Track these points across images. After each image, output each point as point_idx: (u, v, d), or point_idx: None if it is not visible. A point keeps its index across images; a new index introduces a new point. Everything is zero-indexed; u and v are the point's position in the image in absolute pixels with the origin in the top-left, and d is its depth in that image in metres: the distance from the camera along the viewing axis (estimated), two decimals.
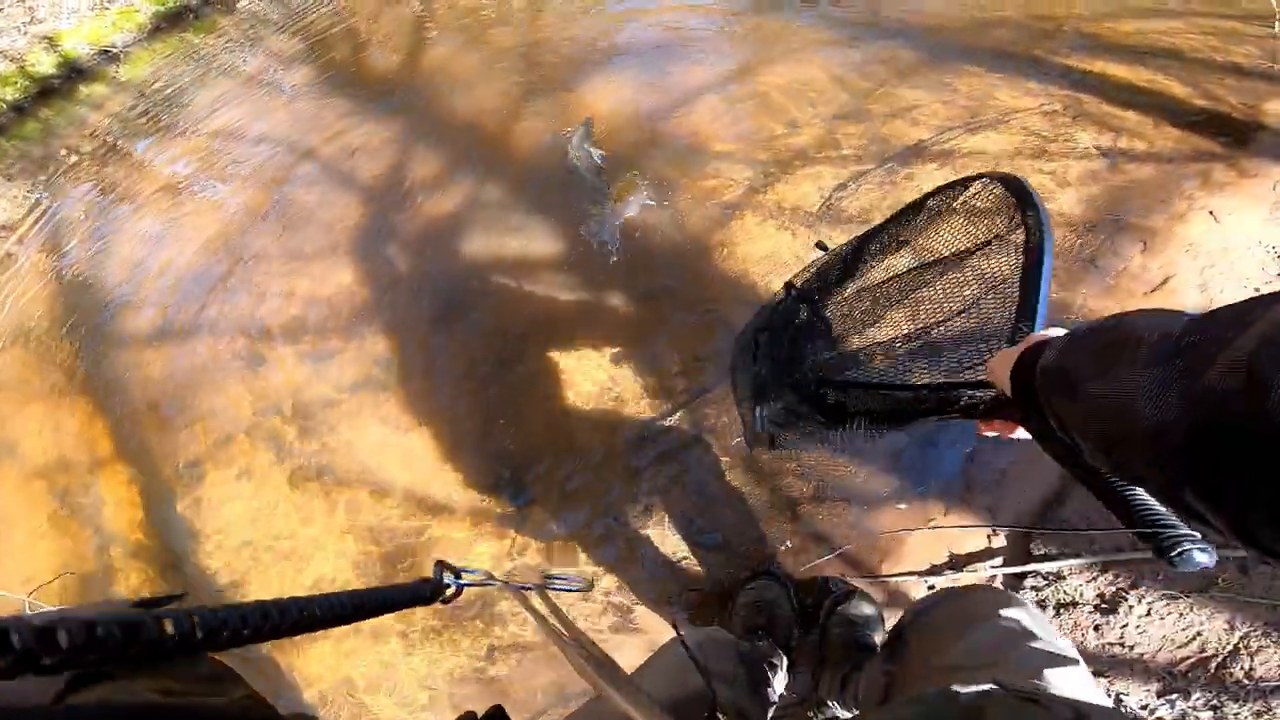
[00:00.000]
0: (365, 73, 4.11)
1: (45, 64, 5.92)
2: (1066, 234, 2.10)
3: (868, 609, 1.53)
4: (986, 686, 0.58)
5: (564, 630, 0.68)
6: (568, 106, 3.10)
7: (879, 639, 1.45)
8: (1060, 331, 0.57)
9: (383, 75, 3.99)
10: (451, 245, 2.70)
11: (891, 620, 1.56)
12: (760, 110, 2.76)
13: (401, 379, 2.34)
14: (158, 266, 3.08)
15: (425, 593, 0.57)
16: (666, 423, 1.97)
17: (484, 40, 3.95)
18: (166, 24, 6.32)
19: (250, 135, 3.80)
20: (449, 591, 0.61)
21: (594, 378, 2.12)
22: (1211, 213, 2.16)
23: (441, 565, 0.61)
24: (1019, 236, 0.76)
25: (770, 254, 2.24)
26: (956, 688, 0.59)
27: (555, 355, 2.20)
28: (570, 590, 0.82)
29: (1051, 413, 0.50)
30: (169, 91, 4.72)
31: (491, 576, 0.69)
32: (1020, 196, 0.77)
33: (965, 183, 0.90)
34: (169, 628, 0.29)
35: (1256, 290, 2.04)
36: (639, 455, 1.95)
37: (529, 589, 0.79)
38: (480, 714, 0.60)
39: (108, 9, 6.27)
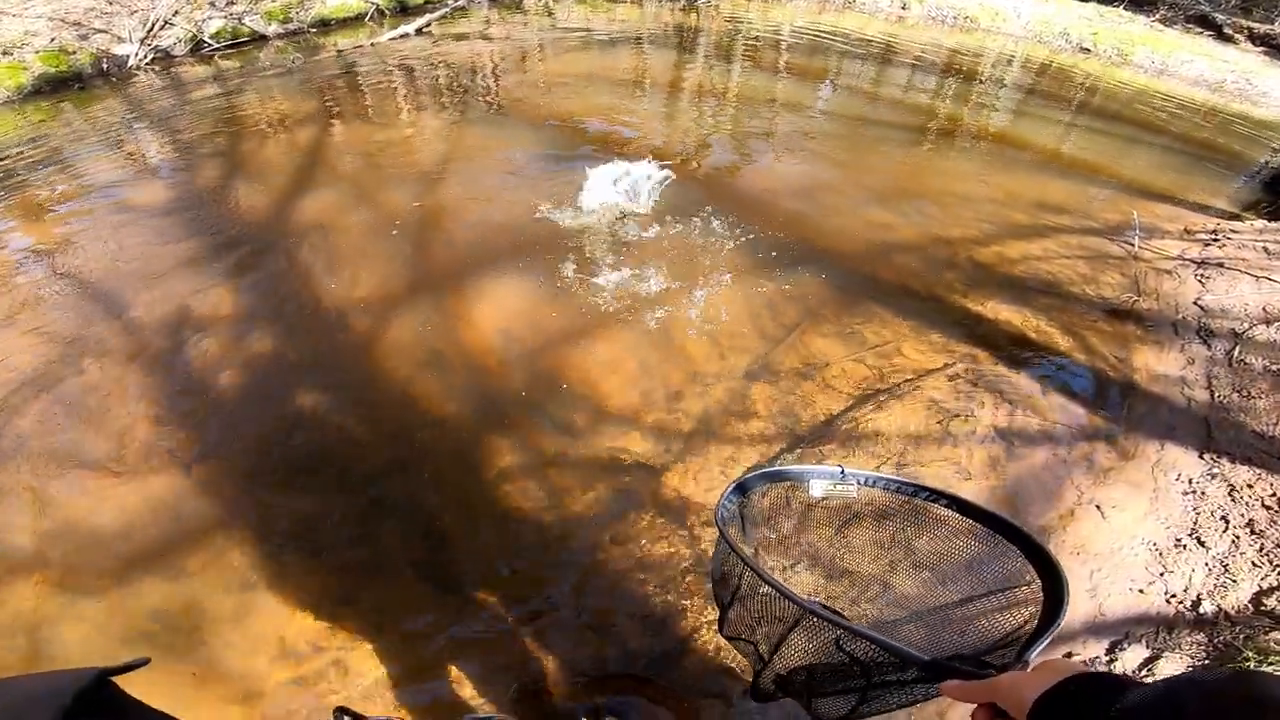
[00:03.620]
0: (234, 206, 3.56)
1: None
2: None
3: None
4: None
5: None
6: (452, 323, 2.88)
7: None
8: (1069, 664, 0.63)
9: (255, 218, 3.46)
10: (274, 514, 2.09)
11: None
12: (670, 358, 2.70)
13: (179, 653, 1.79)
14: None
15: None
16: None
17: (375, 200, 3.61)
18: (49, 88, 5.78)
19: (64, 262, 3.06)
20: None
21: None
22: (1099, 507, 2.28)
23: (342, 711, 0.63)
24: (1035, 593, 0.87)
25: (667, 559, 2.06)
26: None
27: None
28: None
29: None
30: (10, 169, 3.90)
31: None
32: (1052, 577, 0.85)
33: (1000, 527, 0.95)
34: None
35: (1141, 592, 2.16)
36: None
37: None
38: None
39: None
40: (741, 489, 1.06)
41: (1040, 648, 0.78)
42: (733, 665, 1.81)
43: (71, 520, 2.06)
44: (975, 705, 0.73)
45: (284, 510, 2.11)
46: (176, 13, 6.64)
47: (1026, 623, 0.85)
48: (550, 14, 7.98)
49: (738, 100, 5.56)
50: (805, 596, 0.93)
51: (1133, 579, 2.16)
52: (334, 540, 2.04)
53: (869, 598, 1.15)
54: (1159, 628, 2.07)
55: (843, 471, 1.07)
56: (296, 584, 1.93)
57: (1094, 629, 2.05)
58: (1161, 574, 2.18)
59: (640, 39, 7.20)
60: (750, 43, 7.30)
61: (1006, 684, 0.68)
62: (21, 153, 4.10)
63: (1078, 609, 2.08)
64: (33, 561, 1.96)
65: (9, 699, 0.42)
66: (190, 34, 6.53)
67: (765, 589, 0.88)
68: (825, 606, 1.09)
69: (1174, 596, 2.13)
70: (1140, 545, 2.22)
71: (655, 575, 2.00)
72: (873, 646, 0.80)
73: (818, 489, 1.09)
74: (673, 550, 2.08)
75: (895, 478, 1.05)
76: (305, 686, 1.71)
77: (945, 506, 1.01)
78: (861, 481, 1.07)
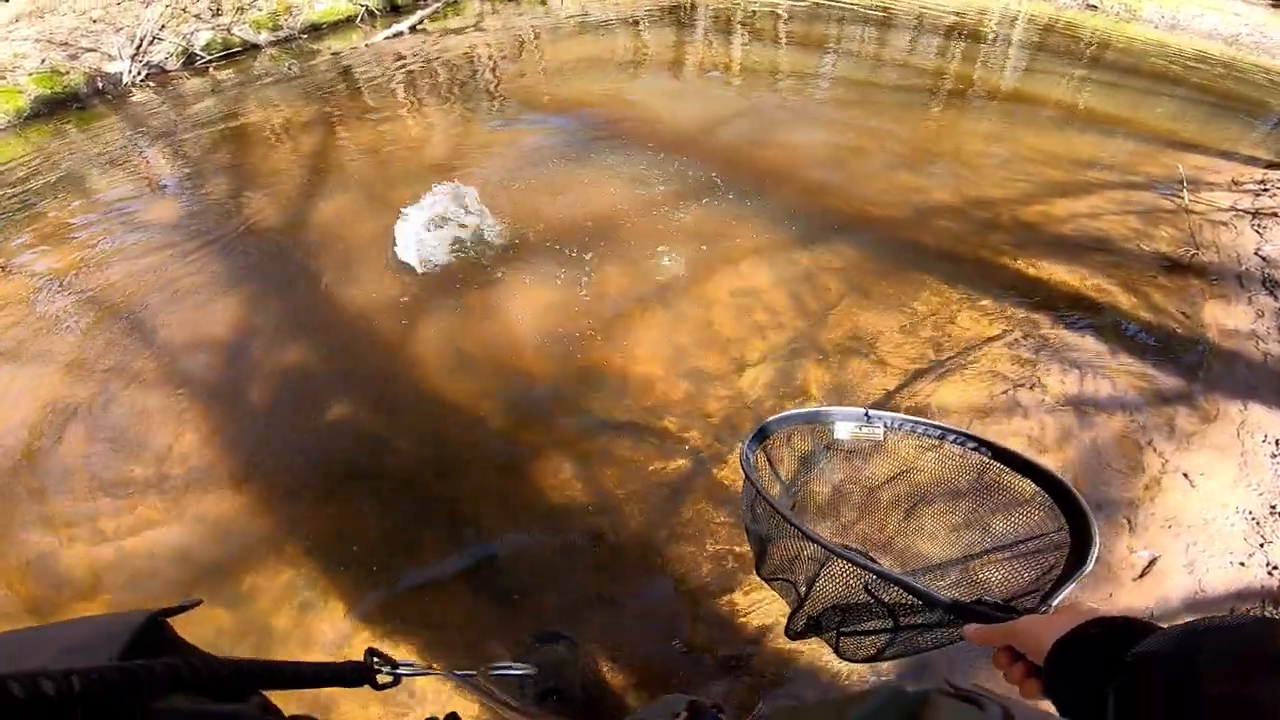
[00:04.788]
0: (247, 216, 3.39)
1: None
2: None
3: None
4: (929, 687, 0.63)
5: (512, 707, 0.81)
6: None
7: None
8: (1090, 608, 0.63)
9: (269, 228, 3.28)
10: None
11: None
12: (710, 342, 2.54)
13: None
14: None
15: (348, 674, 0.60)
16: None
17: (388, 200, 3.45)
18: (47, 110, 5.70)
19: (83, 285, 2.93)
20: (383, 680, 0.63)
21: None
22: (1186, 475, 2.12)
23: (372, 653, 0.63)
24: (1063, 538, 0.85)
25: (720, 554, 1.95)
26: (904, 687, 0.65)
27: None
28: (513, 676, 0.83)
29: (1129, 700, 0.49)
30: (18, 192, 3.79)
31: (431, 666, 0.71)
32: (1077, 514, 0.84)
33: (1030, 471, 0.93)
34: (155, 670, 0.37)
35: (1242, 565, 1.99)
36: None
37: (472, 676, 0.81)
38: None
39: None
40: (765, 432, 1.04)
41: (1065, 593, 0.77)
42: (803, 664, 1.67)
43: (125, 548, 1.97)
44: (997, 649, 0.72)
45: (328, 524, 2.01)
46: (163, 27, 6.50)
47: (1053, 568, 0.85)
48: (543, 1, 7.79)
49: (744, 73, 5.37)
50: (831, 540, 0.92)
51: (1231, 551, 2.00)
52: (380, 551, 1.94)
53: (896, 541, 1.15)
54: (1264, 601, 1.91)
55: (867, 414, 1.05)
56: (347, 598, 1.83)
57: (1195, 606, 1.90)
58: (1261, 545, 2.02)
59: (638, 21, 7.00)
60: (749, 16, 7.09)
61: (1026, 627, 0.67)
62: (30, 177, 3.99)
63: (1177, 586, 1.92)
64: (90, 590, 1.88)
65: (69, 639, 0.43)
66: (181, 48, 6.39)
67: (793, 531, 0.89)
68: (852, 549, 1.11)
69: (1276, 568, 1.97)
70: (1235, 515, 2.06)
71: (716, 570, 1.87)
72: (898, 588, 0.80)
73: (843, 431, 1.08)
74: (731, 545, 1.94)
75: (921, 420, 1.03)
76: (367, 698, 1.60)
77: (974, 450, 0.99)
78: (887, 424, 1.06)
